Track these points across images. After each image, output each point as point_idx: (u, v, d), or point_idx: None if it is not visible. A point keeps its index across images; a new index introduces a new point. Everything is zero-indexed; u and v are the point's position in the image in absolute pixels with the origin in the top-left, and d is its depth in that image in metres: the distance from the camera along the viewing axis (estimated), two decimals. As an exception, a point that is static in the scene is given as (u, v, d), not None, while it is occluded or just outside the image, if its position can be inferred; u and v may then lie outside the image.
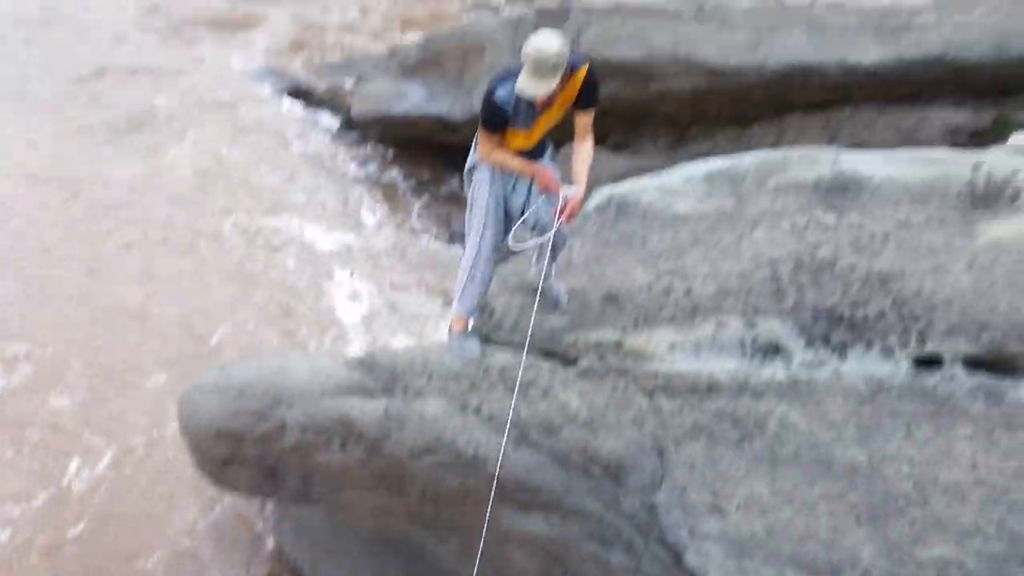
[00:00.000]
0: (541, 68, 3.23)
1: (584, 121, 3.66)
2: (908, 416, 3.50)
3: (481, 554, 3.44)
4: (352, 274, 8.29)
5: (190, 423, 4.48)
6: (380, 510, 4.44)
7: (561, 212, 3.57)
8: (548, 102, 3.46)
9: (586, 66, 3.46)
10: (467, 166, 3.85)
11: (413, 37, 12.85)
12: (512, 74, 3.40)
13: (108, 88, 11.88)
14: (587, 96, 3.54)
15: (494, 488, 3.53)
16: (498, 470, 3.65)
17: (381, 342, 7.14)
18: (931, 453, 3.38)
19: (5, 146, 10.06)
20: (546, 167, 3.67)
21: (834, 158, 4.44)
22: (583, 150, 3.68)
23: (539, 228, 3.82)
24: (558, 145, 3.95)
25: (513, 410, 3.84)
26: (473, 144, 3.80)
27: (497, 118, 3.49)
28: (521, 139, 3.61)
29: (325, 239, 8.94)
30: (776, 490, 3.42)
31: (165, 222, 8.82)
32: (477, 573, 3.43)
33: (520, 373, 3.75)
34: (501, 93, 3.43)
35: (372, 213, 9.66)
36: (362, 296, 8.02)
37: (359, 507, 4.45)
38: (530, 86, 3.29)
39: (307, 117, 11.97)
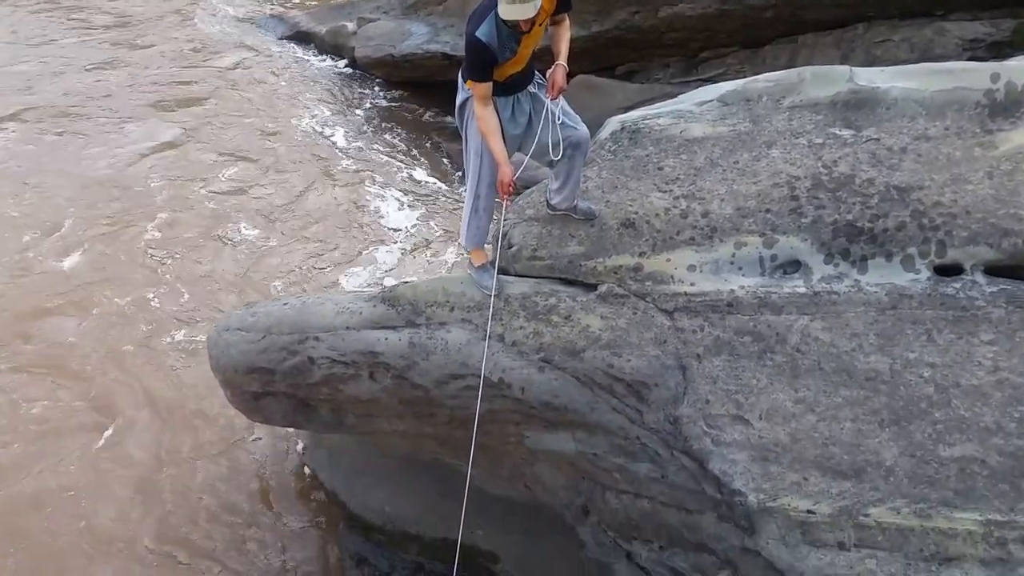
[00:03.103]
0: None
1: (561, 21, 3.74)
2: (929, 323, 3.54)
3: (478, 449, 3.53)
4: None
5: (220, 361, 4.57)
6: (410, 435, 4.56)
7: (551, 88, 3.70)
8: (530, 22, 3.46)
9: None
10: (457, 102, 3.87)
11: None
12: (484, 13, 3.45)
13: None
14: (563, 3, 3.62)
15: (481, 385, 3.78)
16: (483, 371, 3.85)
17: (407, 273, 7.34)
18: (953, 357, 3.43)
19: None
20: (506, 169, 3.68)
21: (848, 75, 4.40)
22: (560, 30, 3.76)
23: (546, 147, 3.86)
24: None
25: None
26: (459, 80, 3.81)
27: (487, 61, 3.52)
28: (511, 65, 3.64)
29: (353, 164, 9.39)
30: (798, 399, 3.48)
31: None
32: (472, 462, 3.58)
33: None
34: (482, 35, 3.45)
35: (393, 145, 9.94)
36: (394, 214, 8.58)
37: (390, 434, 4.57)
38: (517, 10, 3.31)
39: (312, 60, 11.97)
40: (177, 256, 7.68)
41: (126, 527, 5.31)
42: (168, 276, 7.39)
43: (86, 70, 11.27)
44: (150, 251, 7.71)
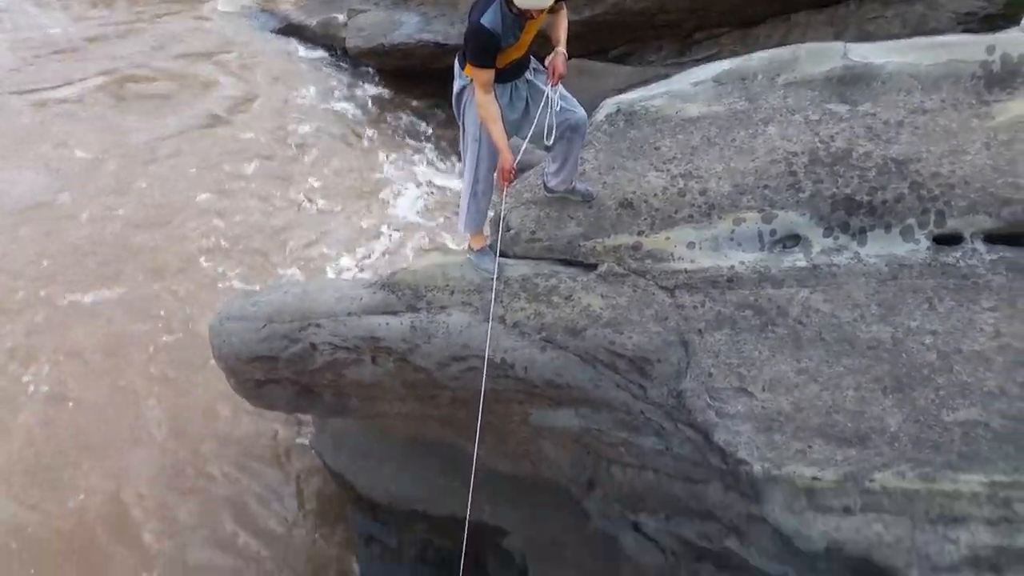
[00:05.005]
0: None
1: (559, 10, 3.79)
2: (930, 292, 3.55)
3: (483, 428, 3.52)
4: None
5: (222, 350, 4.56)
6: (414, 417, 4.57)
7: (552, 75, 3.73)
8: (540, 9, 3.49)
9: None
10: (454, 90, 3.89)
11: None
12: (488, 2, 3.48)
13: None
14: None
15: (485, 367, 3.80)
16: (487, 353, 3.88)
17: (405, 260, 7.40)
18: (954, 324, 3.44)
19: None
20: (507, 156, 3.73)
21: (843, 51, 4.40)
22: (559, 18, 3.80)
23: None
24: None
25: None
26: (455, 68, 3.83)
27: (491, 48, 3.54)
28: (512, 51, 3.66)
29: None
30: (801, 369, 3.50)
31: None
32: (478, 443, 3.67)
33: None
34: (487, 22, 3.48)
35: (388, 130, 10.07)
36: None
37: (393, 416, 4.58)
38: (535, 1, 3.37)
39: (305, 51, 11.99)
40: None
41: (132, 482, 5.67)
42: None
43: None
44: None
